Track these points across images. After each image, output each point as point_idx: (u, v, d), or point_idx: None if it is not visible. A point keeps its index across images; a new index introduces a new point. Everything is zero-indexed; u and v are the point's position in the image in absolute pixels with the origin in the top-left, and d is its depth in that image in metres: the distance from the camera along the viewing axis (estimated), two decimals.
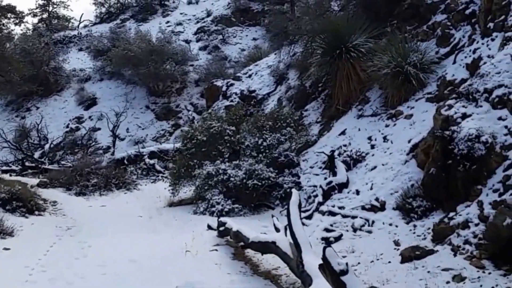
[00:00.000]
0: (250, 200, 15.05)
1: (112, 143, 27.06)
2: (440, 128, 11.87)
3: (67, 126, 32.03)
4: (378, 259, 9.94)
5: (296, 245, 7.25)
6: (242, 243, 9.41)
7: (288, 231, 7.89)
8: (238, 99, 26.16)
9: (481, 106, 11.72)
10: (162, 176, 22.66)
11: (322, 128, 18.13)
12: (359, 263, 9.84)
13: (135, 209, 16.45)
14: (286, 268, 9.24)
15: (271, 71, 26.48)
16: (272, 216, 9.76)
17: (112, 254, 10.83)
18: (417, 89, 15.30)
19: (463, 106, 11.95)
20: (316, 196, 14.24)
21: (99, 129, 29.78)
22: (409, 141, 13.62)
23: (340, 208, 13.04)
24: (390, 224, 11.68)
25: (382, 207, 12.35)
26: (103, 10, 47.17)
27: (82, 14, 42.89)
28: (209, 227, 12.82)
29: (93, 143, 27.19)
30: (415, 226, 11.27)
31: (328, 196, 13.82)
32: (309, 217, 13.33)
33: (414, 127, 14.11)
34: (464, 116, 11.65)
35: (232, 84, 27.72)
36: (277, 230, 9.12)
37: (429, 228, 10.89)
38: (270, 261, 9.57)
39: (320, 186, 14.26)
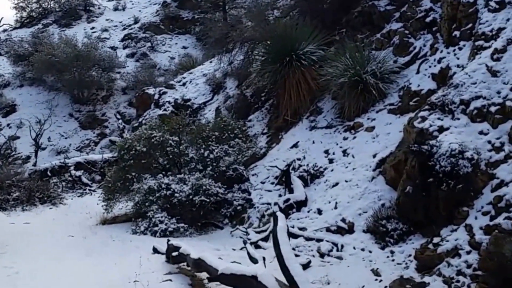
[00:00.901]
0: (196, 218, 13.55)
1: (34, 153, 24.69)
2: (415, 142, 10.86)
3: None
4: None
5: (291, 285, 5.87)
6: (208, 276, 7.85)
7: (274, 263, 6.47)
8: (172, 108, 24.58)
9: (458, 119, 10.89)
10: (90, 190, 20.75)
11: (269, 140, 16.90)
12: None
13: (65, 227, 14.55)
14: None
15: (206, 79, 25.08)
16: (245, 242, 8.26)
17: (46, 285, 9.08)
18: (377, 100, 14.35)
19: (439, 119, 11.09)
20: (271, 215, 12.89)
21: (19, 137, 27.22)
22: (374, 156, 12.61)
23: (301, 229, 11.76)
24: (363, 249, 10.51)
25: (350, 229, 11.17)
26: (24, 14, 44.32)
27: (2, 18, 39.67)
28: (155, 251, 11.23)
29: (13, 153, 24.81)
30: (392, 252, 10.16)
31: (286, 216, 12.45)
32: (266, 239, 11.98)
33: (378, 140, 13.10)
34: (441, 129, 10.78)
35: (164, 93, 26.10)
36: (254, 260, 7.60)
37: (410, 255, 9.81)
38: None
39: (276, 204, 12.97)
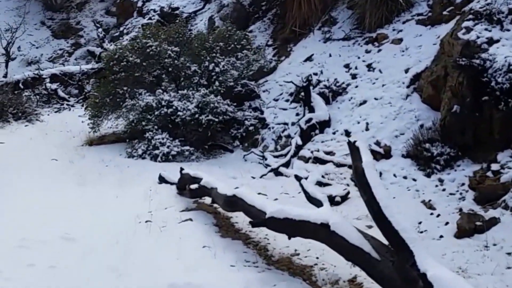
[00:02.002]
0: (202, 140, 11.92)
1: (5, 63, 22.37)
2: (461, 55, 9.23)
3: None
4: (421, 232, 7.24)
5: (398, 244, 4.31)
6: (250, 220, 6.22)
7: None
8: (158, 17, 22.36)
9: (508, 30, 9.32)
10: (68, 105, 18.81)
11: (277, 52, 15.06)
12: None
13: (46, 148, 12.78)
14: (312, 251, 6.42)
15: None
16: (298, 177, 6.50)
17: (34, 226, 7.35)
18: (403, 9, 12.58)
19: (486, 29, 9.53)
20: (288, 136, 11.38)
21: None
22: (406, 71, 10.99)
23: (328, 153, 10.25)
24: (405, 177, 9.03)
25: (387, 154, 9.65)
26: None
27: None
28: (162, 180, 9.64)
29: None
30: (441, 180, 8.68)
31: (308, 138, 10.94)
32: (286, 165, 10.47)
33: (409, 54, 11.43)
34: (491, 41, 9.26)
35: (148, 0, 23.79)
36: (316, 202, 5.93)
37: (463, 184, 8.35)
38: (279, 239, 6.59)
39: (297, 125, 11.35)
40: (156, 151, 11.40)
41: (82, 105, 18.23)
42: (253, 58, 13.44)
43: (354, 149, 5.16)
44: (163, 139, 11.53)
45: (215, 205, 7.98)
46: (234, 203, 6.71)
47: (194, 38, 14.15)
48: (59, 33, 27.87)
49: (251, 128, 12.04)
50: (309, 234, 5.42)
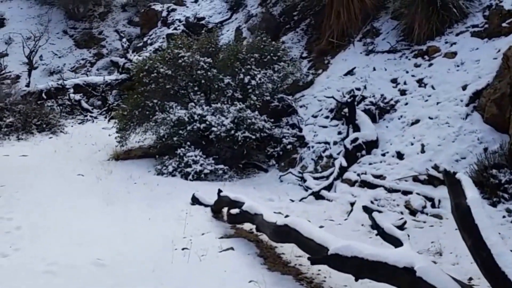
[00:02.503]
0: (236, 159, 11.08)
1: (28, 72, 21.74)
2: None
3: None
4: None
5: None
6: (310, 256, 5.33)
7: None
8: (183, 27, 21.70)
9: None
10: (91, 116, 18.10)
11: (312, 65, 14.21)
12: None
13: (71, 162, 12.02)
14: None
15: None
16: (367, 208, 5.61)
17: (62, 249, 6.56)
18: (457, 20, 11.69)
19: None
20: (330, 157, 10.50)
21: (7, 55, 24.26)
22: (463, 88, 10.04)
23: (377, 177, 9.34)
24: None
25: None
26: None
27: None
28: (196, 201, 8.81)
29: (3, 71, 21.89)
30: (509, 211, 7.77)
31: (354, 159, 10.05)
32: (329, 188, 9.57)
33: (465, 69, 10.52)
34: None
35: (173, 10, 23.14)
36: (392, 240, 5.06)
37: None
38: (335, 276, 5.68)
39: (340, 144, 10.48)
40: (188, 169, 10.57)
41: (106, 117, 17.56)
42: (290, 70, 12.58)
43: (454, 183, 4.27)
44: (196, 156, 10.71)
45: (256, 231, 7.11)
46: (286, 234, 5.82)
47: (225, 48, 13.33)
48: (81, 42, 27.29)
49: (289, 146, 11.18)
50: (385, 278, 4.52)
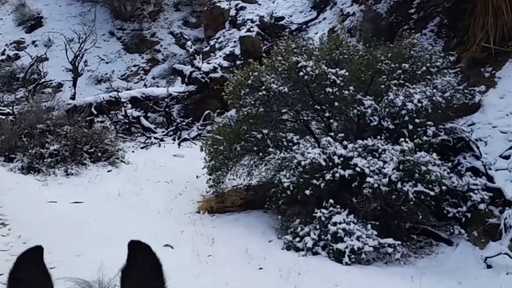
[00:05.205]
0: (404, 224, 7.35)
1: (73, 81, 18.16)
2: None
3: (3, 53, 22.85)
4: None
5: None
6: None
7: None
8: (257, 28, 18.09)
9: None
10: (155, 138, 14.55)
11: (464, 79, 10.39)
12: None
13: (145, 217, 8.45)
14: None
15: None
16: None
17: None
18: None
19: None
20: None
21: (47, 59, 20.83)
22: None
23: None
24: None
25: None
26: None
27: None
28: None
29: (43, 79, 18.47)
30: None
31: None
32: None
33: None
34: None
35: (243, 8, 19.57)
36: None
37: None
38: None
39: None
40: (339, 245, 6.80)
41: (174, 139, 14.09)
42: (458, 88, 8.86)
43: None
44: (347, 223, 6.96)
45: None
46: None
47: (351, 55, 9.62)
48: (131, 46, 23.94)
49: (481, 206, 7.41)
50: None
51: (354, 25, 15.18)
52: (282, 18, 18.08)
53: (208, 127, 15.86)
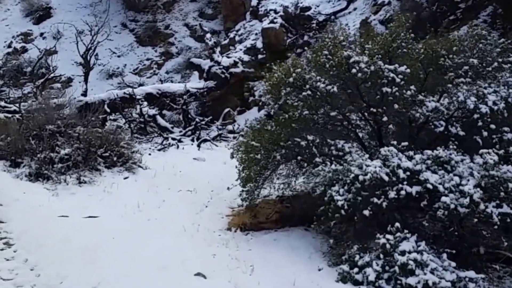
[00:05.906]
0: (477, 249, 6.15)
1: (84, 76, 16.98)
2: None
3: (9, 46, 21.79)
4: None
5: None
6: None
7: None
8: (281, 19, 16.88)
9: None
10: (173, 139, 13.37)
11: None
12: None
13: (169, 235, 7.30)
14: None
15: None
16: None
17: None
18: None
19: None
20: None
21: (56, 52, 19.68)
22: None
23: None
24: None
25: None
26: None
27: None
28: None
29: (52, 74, 17.30)
30: None
31: None
32: None
33: None
34: None
35: None
36: None
37: None
38: None
39: None
40: (409, 280, 5.59)
41: (192, 140, 12.94)
42: None
43: None
44: (418, 251, 5.75)
45: None
46: None
47: (401, 49, 8.34)
48: (144, 38, 22.80)
49: None
50: None
51: (390, 16, 13.94)
52: (308, 8, 16.87)
53: (229, 127, 14.73)
